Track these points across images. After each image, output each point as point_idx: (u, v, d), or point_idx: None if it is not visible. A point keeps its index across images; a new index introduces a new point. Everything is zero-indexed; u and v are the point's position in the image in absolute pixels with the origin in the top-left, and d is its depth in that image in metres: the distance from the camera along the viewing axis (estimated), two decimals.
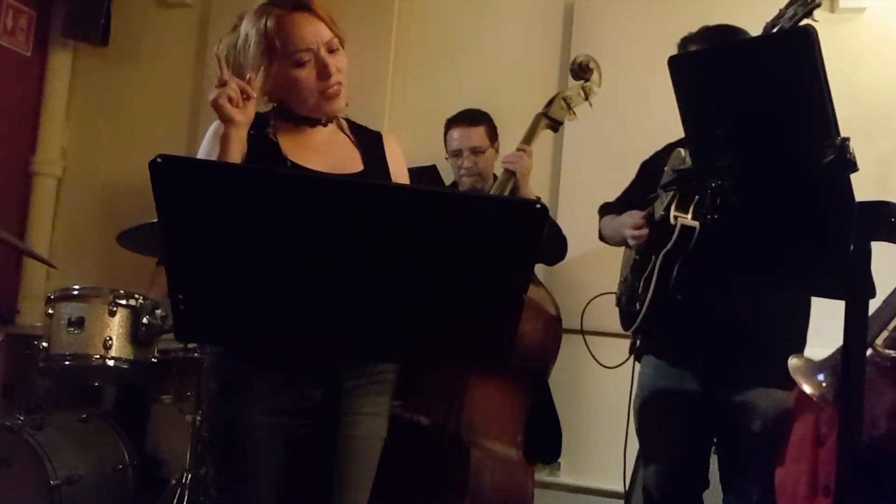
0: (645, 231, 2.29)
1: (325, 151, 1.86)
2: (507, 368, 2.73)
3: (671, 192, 2.20)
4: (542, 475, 3.32)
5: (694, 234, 2.13)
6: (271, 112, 1.86)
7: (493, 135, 3.19)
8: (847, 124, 1.31)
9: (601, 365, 2.71)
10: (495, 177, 3.09)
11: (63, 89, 4.29)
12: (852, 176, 1.32)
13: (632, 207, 2.43)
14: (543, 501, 3.21)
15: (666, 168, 2.30)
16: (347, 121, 1.95)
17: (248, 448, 1.74)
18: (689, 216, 2.14)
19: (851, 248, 1.31)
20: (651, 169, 2.47)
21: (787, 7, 1.90)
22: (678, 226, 2.14)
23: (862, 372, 1.37)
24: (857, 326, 1.34)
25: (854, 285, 1.33)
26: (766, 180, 1.46)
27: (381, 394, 1.84)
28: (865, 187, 1.37)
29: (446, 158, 3.23)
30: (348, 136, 1.92)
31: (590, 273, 3.21)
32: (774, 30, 1.93)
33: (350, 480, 1.77)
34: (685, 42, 2.39)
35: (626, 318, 2.43)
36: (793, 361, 2.00)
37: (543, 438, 3.01)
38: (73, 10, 4.12)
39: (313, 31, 1.77)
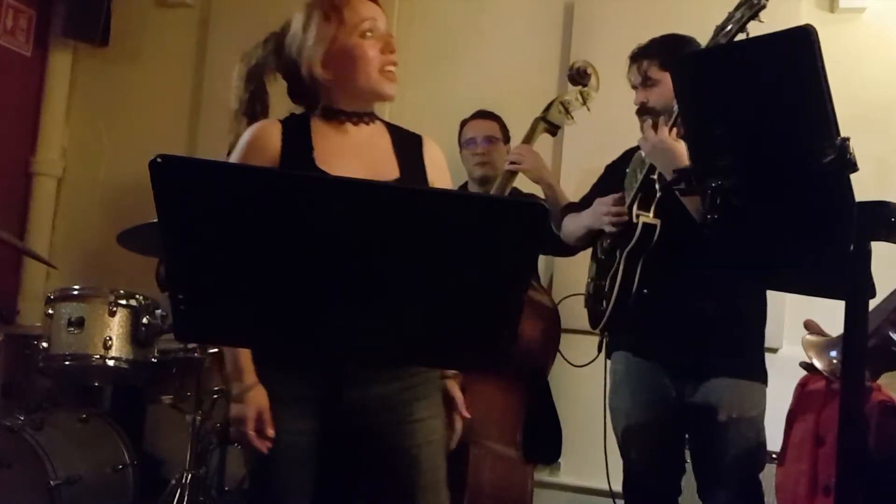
0: (623, 210, 2.31)
1: (362, 156, 1.83)
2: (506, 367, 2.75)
3: (633, 191, 2.27)
4: (542, 475, 3.32)
5: (655, 231, 2.22)
6: (312, 111, 1.85)
7: (505, 133, 3.26)
8: (847, 124, 1.31)
9: (571, 364, 2.77)
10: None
11: (63, 89, 4.28)
12: (852, 176, 1.32)
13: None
14: (543, 501, 3.21)
15: (627, 170, 2.35)
16: (386, 123, 1.94)
17: (278, 456, 1.73)
18: (651, 214, 2.23)
19: (851, 248, 1.31)
20: (613, 172, 2.52)
21: (735, 10, 1.94)
22: (640, 224, 2.22)
23: (862, 371, 1.37)
24: (857, 326, 1.34)
25: (854, 285, 1.33)
26: (765, 180, 1.46)
27: (426, 396, 1.82)
28: (865, 187, 1.37)
29: (460, 147, 3.28)
30: (388, 138, 1.90)
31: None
32: (723, 33, 1.98)
33: (426, 490, 1.78)
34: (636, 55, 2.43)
35: (594, 317, 2.46)
36: (806, 338, 2.00)
37: (543, 438, 3.01)
38: (73, 10, 4.12)
39: (378, 12, 1.83)
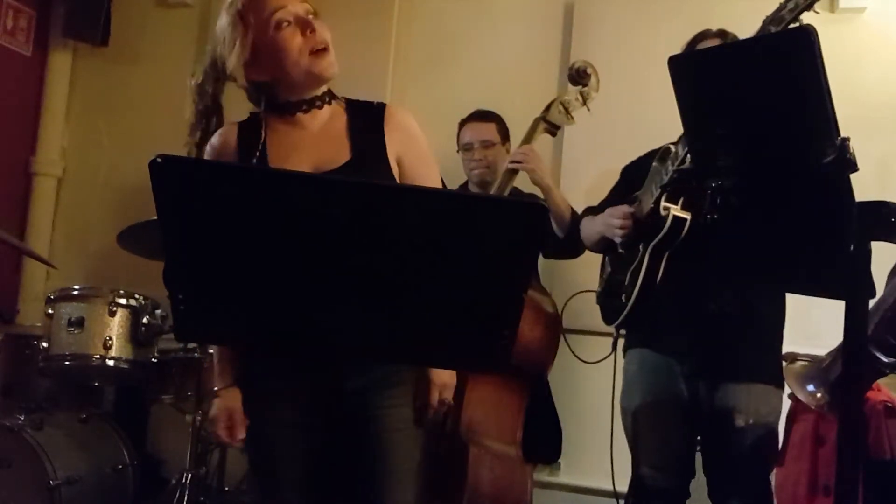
0: (629, 223, 2.30)
1: (312, 146, 1.78)
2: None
3: (659, 189, 2.23)
4: (541, 475, 3.32)
5: (685, 225, 2.17)
6: (262, 112, 1.82)
7: (504, 133, 3.25)
8: (847, 124, 1.31)
9: (582, 361, 2.75)
10: None
11: (63, 89, 4.28)
12: (852, 176, 1.32)
13: None
14: (543, 501, 3.21)
15: (654, 163, 2.32)
16: (347, 100, 1.86)
17: (266, 449, 1.80)
18: (680, 208, 2.18)
19: (851, 248, 1.31)
20: (633, 174, 2.49)
21: (787, 0, 1.91)
22: (670, 216, 2.18)
23: (862, 372, 1.37)
24: (857, 326, 1.34)
25: (854, 285, 1.33)
26: (766, 180, 1.46)
27: (396, 385, 1.80)
28: (865, 187, 1.37)
29: (457, 152, 3.27)
30: (345, 119, 1.82)
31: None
32: (774, 23, 1.95)
33: (390, 476, 1.78)
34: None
35: (609, 313, 2.44)
36: (787, 368, 2.01)
37: (543, 438, 3.01)
38: (73, 10, 4.12)
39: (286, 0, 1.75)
